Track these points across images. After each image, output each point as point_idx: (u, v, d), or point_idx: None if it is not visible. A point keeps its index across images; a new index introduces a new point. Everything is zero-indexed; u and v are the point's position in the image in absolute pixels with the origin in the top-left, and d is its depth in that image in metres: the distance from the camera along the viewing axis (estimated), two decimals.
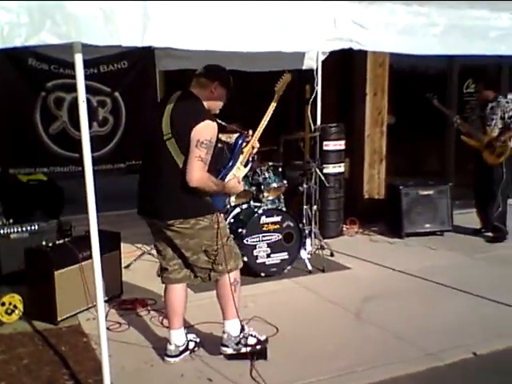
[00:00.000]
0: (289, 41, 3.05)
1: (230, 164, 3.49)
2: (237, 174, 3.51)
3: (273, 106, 3.64)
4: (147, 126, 3.47)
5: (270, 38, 2.95)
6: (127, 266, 5.43)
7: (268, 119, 3.65)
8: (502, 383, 3.36)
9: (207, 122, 3.18)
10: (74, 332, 4.05)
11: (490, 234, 6.41)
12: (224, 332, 3.54)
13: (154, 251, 5.24)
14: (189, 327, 3.93)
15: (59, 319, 4.12)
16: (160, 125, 3.25)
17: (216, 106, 3.40)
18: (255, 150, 3.64)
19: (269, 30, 2.98)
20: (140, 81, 5.53)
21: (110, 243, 4.58)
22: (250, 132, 3.58)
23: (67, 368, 3.51)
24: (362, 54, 6.82)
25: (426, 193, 6.51)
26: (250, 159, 3.65)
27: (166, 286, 3.57)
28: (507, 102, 6.09)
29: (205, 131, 3.16)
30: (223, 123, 3.61)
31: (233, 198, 5.02)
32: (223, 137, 4.21)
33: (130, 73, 5.52)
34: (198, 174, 3.14)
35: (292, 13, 3.07)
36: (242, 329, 3.55)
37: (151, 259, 5.39)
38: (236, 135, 3.67)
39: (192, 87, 3.36)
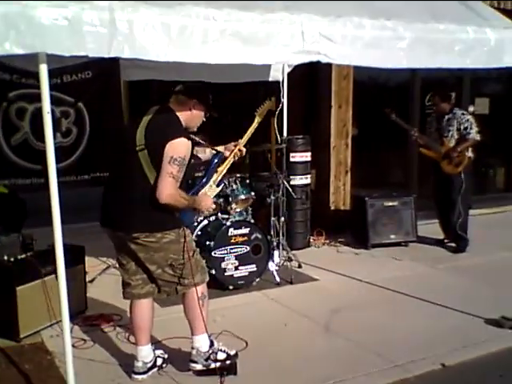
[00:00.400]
0: (258, 53, 3.04)
1: (204, 181, 3.48)
2: (208, 192, 3.50)
3: (253, 127, 3.85)
4: (119, 136, 3.43)
5: (239, 51, 2.95)
6: (91, 281, 5.31)
7: (248, 138, 3.81)
8: None
9: (183, 139, 3.14)
10: (37, 349, 3.92)
11: (452, 244, 6.51)
12: (193, 348, 3.48)
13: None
14: (156, 343, 3.85)
15: (21, 336, 3.98)
16: (134, 135, 3.20)
17: (194, 123, 3.38)
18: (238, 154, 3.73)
19: (237, 42, 2.97)
20: (104, 91, 5.42)
21: (74, 257, 4.46)
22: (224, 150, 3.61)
23: None
24: (327, 66, 6.89)
25: (390, 204, 6.59)
26: (224, 180, 3.67)
27: (132, 302, 3.49)
28: (463, 114, 6.25)
29: (179, 148, 3.12)
30: (200, 141, 3.59)
31: (201, 217, 5.00)
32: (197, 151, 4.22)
33: (95, 83, 5.39)
34: (168, 190, 3.10)
35: (260, 25, 3.07)
36: (211, 344, 3.50)
37: (116, 273, 5.22)
38: (209, 151, 3.66)
39: (171, 103, 3.33)
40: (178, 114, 3.28)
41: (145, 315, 3.47)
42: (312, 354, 3.84)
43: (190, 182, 3.45)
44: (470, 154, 6.24)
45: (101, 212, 3.39)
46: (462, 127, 6.16)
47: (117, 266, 5.25)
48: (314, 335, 4.17)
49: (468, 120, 6.17)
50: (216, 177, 3.54)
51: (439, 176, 6.37)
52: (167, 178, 3.09)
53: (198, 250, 3.51)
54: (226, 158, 3.63)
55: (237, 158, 3.73)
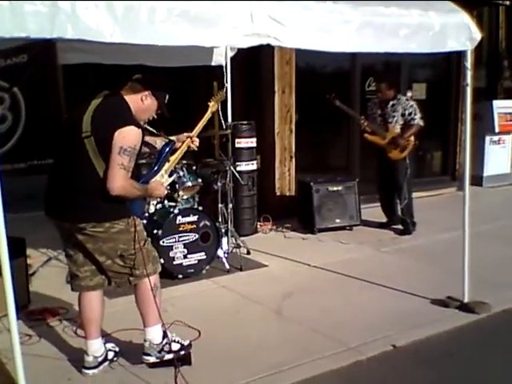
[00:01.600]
0: (207, 35, 2.95)
1: (155, 169, 3.35)
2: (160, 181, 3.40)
3: (206, 118, 3.84)
4: (65, 122, 3.27)
5: (187, 32, 2.84)
6: (33, 274, 5.09)
7: (200, 129, 3.77)
8: (424, 374, 3.45)
9: (132, 127, 3.01)
10: None
11: (397, 226, 6.64)
12: (145, 340, 3.38)
13: (61, 256, 4.97)
14: (106, 336, 3.74)
15: None
16: (80, 121, 3.04)
17: (143, 116, 3.23)
18: (193, 147, 3.68)
19: (185, 23, 2.86)
20: (41, 75, 5.16)
21: (14, 250, 4.23)
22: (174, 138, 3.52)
23: None
24: (270, 51, 6.86)
25: (335, 189, 6.66)
26: (175, 172, 3.59)
27: (80, 294, 3.35)
28: (407, 100, 6.36)
29: (129, 137, 2.99)
30: (154, 130, 3.45)
31: (152, 208, 4.87)
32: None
33: (30, 67, 5.12)
34: (119, 182, 2.97)
35: (209, 7, 2.98)
36: (165, 335, 3.41)
37: (59, 265, 5.10)
38: (160, 141, 3.54)
39: (124, 90, 3.19)
40: (128, 101, 3.15)
41: (94, 308, 3.35)
42: (265, 339, 3.83)
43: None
44: (413, 139, 6.34)
45: (45, 200, 3.23)
46: (406, 113, 6.24)
47: (59, 257, 5.11)
48: (267, 321, 4.16)
49: (412, 106, 6.27)
50: (168, 166, 3.44)
51: (383, 161, 6.44)
52: (118, 169, 2.97)
53: (149, 239, 3.41)
54: (177, 148, 3.53)
55: (192, 147, 3.64)
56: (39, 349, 3.66)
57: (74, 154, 3.09)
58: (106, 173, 2.99)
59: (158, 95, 3.23)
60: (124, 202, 3.10)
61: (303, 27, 3.33)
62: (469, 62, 3.96)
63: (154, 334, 3.37)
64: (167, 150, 3.38)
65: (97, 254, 3.19)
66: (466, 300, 4.30)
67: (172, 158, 3.47)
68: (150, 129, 3.38)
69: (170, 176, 3.49)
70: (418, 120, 6.25)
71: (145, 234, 3.38)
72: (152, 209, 5.10)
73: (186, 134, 3.57)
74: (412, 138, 6.32)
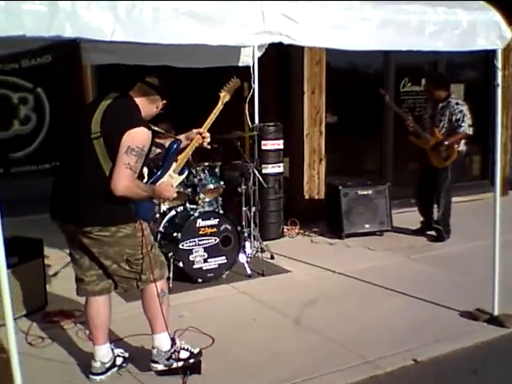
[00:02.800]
0: (214, 34, 2.85)
1: (161, 170, 3.25)
2: (170, 181, 3.29)
3: (217, 110, 3.41)
4: (73, 123, 3.20)
5: (194, 31, 2.74)
6: (55, 274, 5.11)
7: (211, 123, 3.42)
8: None
9: (142, 128, 2.94)
10: None
11: (431, 233, 6.38)
12: (153, 347, 3.29)
13: None
14: (117, 341, 3.68)
15: None
16: (89, 123, 2.98)
17: (150, 115, 3.19)
18: (204, 144, 3.42)
19: (192, 21, 2.77)
20: (65, 76, 5.15)
21: (31, 251, 4.27)
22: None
23: None
24: (299, 51, 6.71)
25: (364, 193, 6.45)
26: (186, 168, 3.43)
27: (87, 299, 3.29)
28: (457, 104, 5.92)
29: (138, 138, 2.92)
30: (160, 131, 3.35)
31: (164, 207, 4.77)
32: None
33: (55, 67, 5.12)
34: (124, 182, 2.89)
35: (217, 4, 2.87)
36: (173, 342, 3.32)
37: None
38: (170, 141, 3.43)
39: (133, 92, 3.11)
40: (139, 105, 3.08)
41: (101, 313, 3.28)
42: (281, 349, 3.69)
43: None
44: (461, 147, 5.97)
45: (51, 203, 3.17)
46: (453, 118, 5.86)
47: None
48: (284, 330, 4.02)
49: (461, 111, 5.85)
50: (176, 165, 3.30)
51: (425, 166, 6.15)
52: (123, 168, 2.88)
53: (156, 244, 3.33)
54: (186, 146, 3.40)
55: (203, 144, 3.44)
56: (50, 352, 3.63)
57: (81, 155, 3.02)
58: (113, 173, 2.91)
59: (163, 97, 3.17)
60: (129, 206, 3.01)
61: (318, 24, 3.18)
62: (499, 62, 3.73)
63: (162, 342, 3.28)
64: (173, 149, 3.25)
65: (102, 258, 3.12)
66: (495, 313, 4.05)
67: (180, 157, 3.32)
68: (158, 129, 3.28)
69: (180, 174, 3.35)
70: (465, 128, 5.84)
71: (152, 238, 3.29)
72: (173, 212, 5.06)
73: (195, 131, 3.40)
74: (458, 146, 5.91)
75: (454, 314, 4.22)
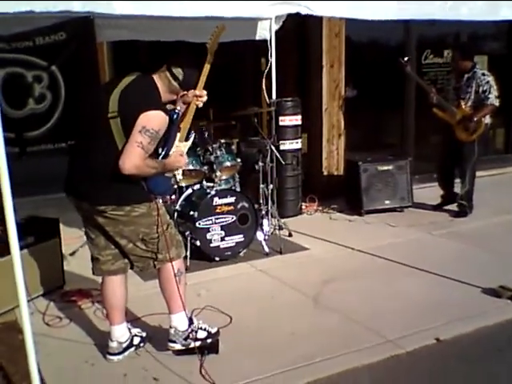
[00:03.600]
0: (228, 5, 2.74)
1: (168, 143, 3.14)
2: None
3: (208, 65, 3.13)
4: (89, 101, 3.13)
5: (205, 3, 2.63)
6: (73, 253, 5.11)
7: (205, 80, 3.17)
8: (470, 371, 3.16)
9: (159, 112, 2.86)
10: (10, 329, 3.72)
11: (452, 208, 6.24)
12: (171, 327, 3.26)
13: None
14: (135, 320, 3.66)
15: None
16: (107, 101, 2.90)
17: (166, 99, 3.08)
18: (200, 104, 3.20)
19: None
20: (80, 53, 5.06)
21: (48, 231, 4.25)
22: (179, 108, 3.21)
23: (0, 369, 3.20)
24: (317, 23, 6.53)
25: (385, 168, 6.31)
26: (192, 131, 3.29)
27: (103, 279, 3.26)
28: (483, 75, 5.72)
29: (154, 120, 2.84)
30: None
31: (180, 177, 4.65)
32: None
33: (69, 45, 5.03)
34: (133, 161, 2.79)
35: None
36: (191, 322, 3.28)
37: None
38: None
39: (156, 76, 3.02)
40: (160, 89, 3.00)
41: (117, 293, 3.25)
42: (299, 329, 3.63)
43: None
44: (487, 119, 5.81)
45: (66, 179, 3.12)
46: (480, 89, 5.67)
47: None
48: (302, 308, 3.96)
49: (488, 82, 5.66)
50: (181, 134, 3.18)
51: (449, 140, 5.96)
52: (135, 147, 2.80)
53: (172, 223, 3.26)
54: (185, 111, 3.25)
55: (200, 105, 3.24)
56: (67, 332, 3.63)
57: (97, 133, 2.95)
58: (123, 150, 2.83)
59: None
60: (143, 185, 2.95)
61: None
62: None
63: (179, 321, 3.24)
64: (174, 118, 3.12)
65: (118, 238, 3.07)
66: None
67: (183, 124, 3.18)
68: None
69: (187, 140, 3.23)
70: (492, 99, 5.67)
71: (168, 217, 3.23)
72: (189, 190, 5.00)
73: (191, 92, 3.17)
74: (486, 119, 5.77)
75: (476, 291, 4.12)
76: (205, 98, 3.16)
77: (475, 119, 5.68)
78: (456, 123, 5.82)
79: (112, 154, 2.88)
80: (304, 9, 2.94)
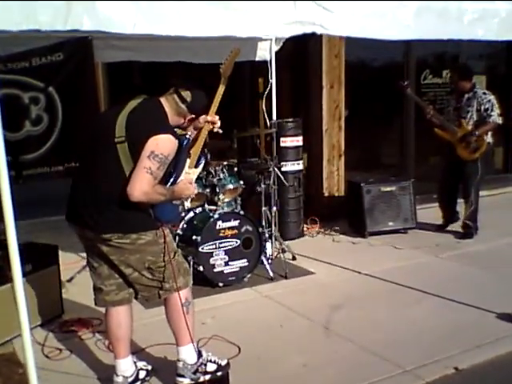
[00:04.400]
0: (242, 25, 2.64)
1: (177, 170, 3.01)
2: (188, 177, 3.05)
3: (221, 89, 3.07)
4: (93, 125, 2.99)
5: (221, 22, 2.53)
6: (70, 280, 4.93)
7: (217, 105, 3.12)
8: None
9: (169, 136, 2.74)
10: (8, 361, 3.54)
11: (456, 229, 6.15)
12: (179, 360, 3.09)
13: None
14: (138, 352, 3.50)
15: None
16: (113, 126, 2.77)
17: (174, 124, 2.96)
18: (215, 129, 3.15)
19: (218, 11, 2.56)
20: (77, 74, 4.94)
21: (47, 258, 4.09)
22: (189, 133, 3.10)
23: None
24: (317, 44, 6.50)
25: (388, 189, 6.22)
26: (202, 158, 3.17)
27: (107, 309, 3.09)
28: (484, 94, 5.75)
29: (163, 145, 2.71)
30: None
31: (188, 204, 4.53)
32: None
33: (66, 66, 4.91)
34: (142, 187, 2.66)
35: None
36: (200, 354, 3.12)
37: None
38: None
39: (163, 99, 2.91)
40: (168, 113, 2.89)
41: (123, 324, 3.08)
42: (312, 359, 3.48)
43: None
44: (489, 138, 5.80)
45: (68, 205, 2.98)
46: (482, 108, 5.68)
47: None
48: (313, 337, 3.81)
49: (490, 101, 5.68)
50: (191, 160, 3.06)
51: (452, 159, 5.91)
52: (143, 173, 2.67)
53: (179, 250, 3.12)
54: (196, 136, 3.14)
55: (214, 130, 3.16)
56: (68, 365, 3.45)
57: (103, 158, 2.82)
58: (131, 176, 2.70)
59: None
60: (150, 212, 2.81)
61: (353, 13, 2.97)
62: None
63: (188, 354, 3.08)
64: (184, 144, 3.00)
65: (122, 267, 2.92)
66: None
67: (193, 150, 3.06)
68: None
69: (196, 167, 3.11)
70: (494, 117, 5.66)
71: (174, 245, 3.09)
72: (191, 214, 4.86)
73: (202, 118, 3.11)
74: (487, 137, 5.75)
75: (491, 316, 4.00)
76: (218, 124, 3.06)
77: (477, 133, 5.67)
78: (458, 141, 5.79)
79: (118, 180, 2.75)
80: (320, 28, 2.84)
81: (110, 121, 2.81)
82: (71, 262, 5.19)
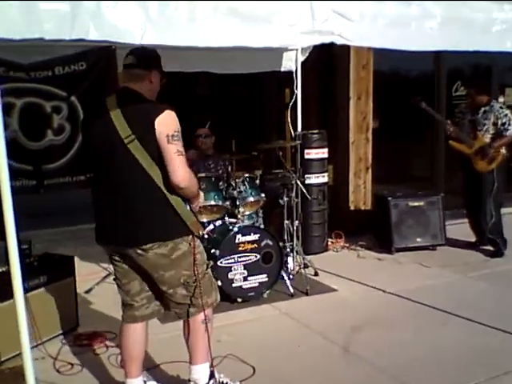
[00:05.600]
0: (258, 35, 2.54)
1: None
2: None
3: None
4: (93, 138, 2.84)
5: (235, 32, 2.44)
6: (88, 291, 4.89)
7: None
8: None
9: (167, 111, 2.65)
10: (18, 375, 3.44)
11: (487, 247, 5.94)
12: (189, 380, 2.98)
13: None
14: (151, 369, 3.40)
15: (2, 359, 3.55)
16: (113, 130, 2.67)
17: (155, 94, 2.87)
18: None
19: (232, 21, 2.47)
20: (100, 84, 4.92)
21: (63, 269, 4.03)
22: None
23: None
24: (345, 54, 6.37)
25: (416, 204, 6.03)
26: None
27: (124, 325, 2.99)
28: (501, 108, 5.69)
29: (169, 122, 2.65)
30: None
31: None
32: None
33: (89, 75, 4.91)
34: (184, 170, 2.64)
35: (262, 2, 2.56)
36: (212, 375, 3.00)
37: None
38: None
39: (125, 82, 2.82)
40: (139, 91, 2.77)
41: (138, 342, 2.98)
42: (328, 382, 3.33)
43: None
44: (503, 150, 5.69)
45: (97, 228, 2.87)
46: (499, 122, 5.60)
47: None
48: (331, 359, 3.66)
49: (507, 115, 5.59)
50: None
51: (469, 173, 5.82)
52: (177, 156, 2.62)
53: (211, 262, 3.03)
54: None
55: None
56: (79, 381, 3.38)
57: (119, 166, 2.71)
58: (166, 169, 2.64)
59: (160, 67, 2.85)
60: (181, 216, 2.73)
61: (374, 22, 2.85)
62: None
63: (201, 374, 2.97)
64: None
65: (159, 283, 2.84)
66: None
67: None
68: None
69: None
70: (511, 131, 5.57)
71: (205, 256, 2.98)
72: (211, 226, 4.78)
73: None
74: (502, 150, 5.67)
75: None
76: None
77: (495, 145, 5.60)
78: (474, 154, 5.70)
79: (143, 182, 2.68)
80: (339, 38, 2.72)
81: (106, 128, 2.69)
82: (91, 273, 5.16)
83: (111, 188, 2.78)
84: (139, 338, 2.99)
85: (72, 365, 3.57)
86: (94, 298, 4.75)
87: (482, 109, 5.69)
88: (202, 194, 2.99)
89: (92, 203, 2.90)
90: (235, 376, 3.16)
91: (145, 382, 3.09)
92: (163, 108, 2.66)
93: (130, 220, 2.72)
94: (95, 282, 4.99)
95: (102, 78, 4.94)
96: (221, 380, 3.04)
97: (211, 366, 3.02)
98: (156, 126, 2.60)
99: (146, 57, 2.83)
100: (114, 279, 3.04)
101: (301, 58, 5.63)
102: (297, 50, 5.55)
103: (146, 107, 2.70)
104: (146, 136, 2.63)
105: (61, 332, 3.97)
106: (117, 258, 2.90)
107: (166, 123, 2.63)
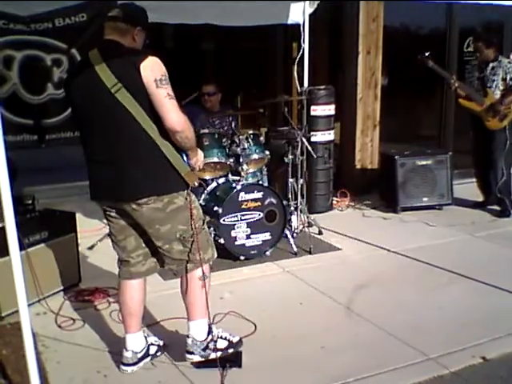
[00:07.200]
0: None
1: None
2: None
3: None
4: (78, 95, 2.73)
5: None
6: (91, 247, 4.88)
7: None
8: None
9: (150, 57, 2.57)
10: (18, 330, 3.44)
11: (494, 207, 5.87)
12: (188, 336, 2.96)
13: None
14: (151, 325, 3.40)
15: (3, 314, 3.55)
16: (97, 80, 2.57)
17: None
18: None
19: None
20: (101, 36, 4.81)
21: (63, 225, 4.00)
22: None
23: (4, 377, 2.97)
24: (354, 7, 6.17)
25: (423, 163, 5.92)
26: None
27: (121, 282, 2.98)
28: (509, 63, 5.54)
29: (156, 67, 2.56)
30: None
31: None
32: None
33: (90, 27, 4.80)
34: (176, 113, 2.57)
35: None
36: (210, 331, 2.98)
37: None
38: None
39: (108, 34, 2.73)
40: (122, 42, 2.68)
41: (135, 298, 2.98)
42: (330, 342, 3.31)
43: None
44: None
45: (90, 184, 2.82)
46: (508, 77, 5.46)
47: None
48: (333, 317, 3.64)
49: None
50: None
51: (480, 131, 5.69)
52: (168, 100, 2.55)
53: (207, 218, 2.99)
54: None
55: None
56: (80, 336, 3.37)
57: (109, 118, 2.63)
58: (159, 116, 2.57)
59: (145, 26, 2.77)
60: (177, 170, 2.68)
61: None
62: None
63: (198, 329, 2.94)
64: None
65: (154, 238, 2.81)
66: None
67: None
68: None
69: None
70: None
71: (201, 212, 2.93)
72: (214, 184, 4.72)
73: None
74: None
75: None
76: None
77: (506, 101, 5.46)
78: (484, 111, 5.58)
79: (135, 133, 2.60)
80: None
81: (91, 79, 2.60)
82: (94, 229, 5.13)
83: (101, 143, 2.71)
84: (136, 294, 2.98)
85: (74, 320, 3.57)
86: (96, 254, 4.74)
87: (491, 65, 5.56)
88: (200, 151, 2.91)
89: (85, 161, 2.83)
90: (237, 333, 3.14)
91: (145, 337, 3.09)
92: (146, 54, 2.57)
93: (123, 174, 2.67)
94: (98, 238, 4.98)
95: (102, 30, 4.80)
96: (219, 335, 3.02)
97: (210, 321, 3.00)
98: (142, 72, 2.52)
99: (132, 12, 2.75)
100: (109, 235, 3.02)
101: (309, 10, 5.47)
102: (304, 0, 5.39)
103: (129, 55, 2.60)
104: (133, 84, 2.55)
105: (63, 288, 3.97)
106: (112, 214, 2.86)
107: (153, 68, 2.55)
